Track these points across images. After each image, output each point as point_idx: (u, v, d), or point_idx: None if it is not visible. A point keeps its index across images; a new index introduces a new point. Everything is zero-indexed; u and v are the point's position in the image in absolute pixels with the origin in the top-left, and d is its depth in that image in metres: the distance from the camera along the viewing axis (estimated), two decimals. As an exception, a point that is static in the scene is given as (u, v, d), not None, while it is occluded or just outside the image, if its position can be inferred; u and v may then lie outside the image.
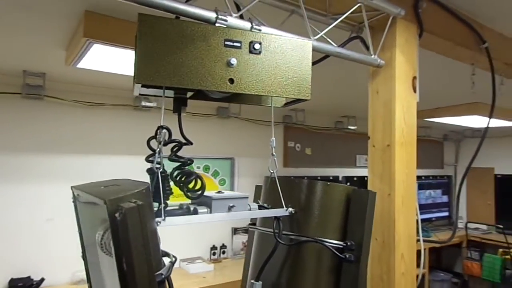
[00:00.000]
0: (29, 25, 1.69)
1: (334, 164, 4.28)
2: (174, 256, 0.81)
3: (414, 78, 1.42)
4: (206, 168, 3.40)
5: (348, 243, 0.99)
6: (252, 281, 1.08)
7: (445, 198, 5.44)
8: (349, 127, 4.23)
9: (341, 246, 1.00)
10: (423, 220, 5.02)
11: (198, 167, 3.35)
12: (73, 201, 0.98)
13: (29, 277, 2.57)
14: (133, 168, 3.01)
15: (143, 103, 2.92)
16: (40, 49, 2.03)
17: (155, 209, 0.87)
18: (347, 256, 0.98)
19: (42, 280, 2.60)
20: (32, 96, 2.59)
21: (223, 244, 3.46)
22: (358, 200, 1.02)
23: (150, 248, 0.66)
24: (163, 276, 0.70)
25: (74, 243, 2.98)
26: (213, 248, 3.41)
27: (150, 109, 3.04)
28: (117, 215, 0.62)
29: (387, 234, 1.36)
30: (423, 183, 5.16)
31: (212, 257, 3.39)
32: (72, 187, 0.90)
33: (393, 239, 1.34)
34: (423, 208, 5.09)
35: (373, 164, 1.44)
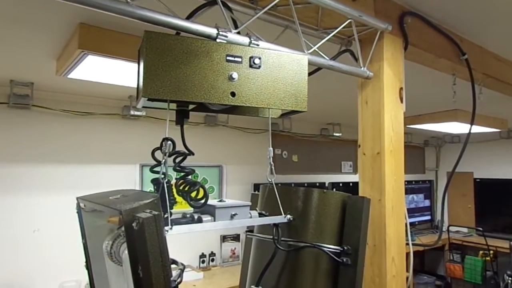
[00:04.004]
0: (19, 37, 1.70)
1: (320, 170, 4.36)
2: (182, 264, 0.84)
3: (401, 89, 1.49)
4: (195, 176, 3.40)
5: (345, 248, 1.04)
6: (253, 286, 1.11)
7: (427, 202, 5.60)
8: (334, 134, 4.33)
9: (338, 251, 1.05)
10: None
11: (187, 175, 3.36)
12: (77, 212, 1.00)
13: (14, 290, 2.53)
14: (122, 177, 3.01)
15: (132, 112, 2.92)
16: (29, 59, 2.03)
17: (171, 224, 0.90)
18: (344, 260, 1.03)
19: (30, 292, 2.56)
20: (19, 106, 2.56)
21: (211, 252, 3.47)
22: (353, 206, 1.07)
23: (166, 256, 0.69)
24: (176, 283, 0.73)
25: (62, 254, 2.95)
26: (202, 256, 3.41)
27: (139, 118, 3.04)
28: (134, 224, 0.65)
29: (378, 238, 1.42)
30: (406, 188, 5.28)
31: (201, 265, 3.39)
32: (77, 198, 0.92)
33: (384, 243, 1.40)
34: (409, 213, 5.22)
35: (363, 171, 1.50)
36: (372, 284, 1.43)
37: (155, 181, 0.97)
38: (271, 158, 1.15)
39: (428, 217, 5.60)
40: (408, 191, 5.31)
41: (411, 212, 5.26)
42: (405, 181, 5.35)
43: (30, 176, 2.65)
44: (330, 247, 1.05)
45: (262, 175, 3.68)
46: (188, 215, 1.00)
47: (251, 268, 1.22)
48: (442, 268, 5.23)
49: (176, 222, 0.94)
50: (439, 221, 5.62)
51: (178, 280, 0.73)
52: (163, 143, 0.95)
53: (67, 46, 1.78)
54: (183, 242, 3.33)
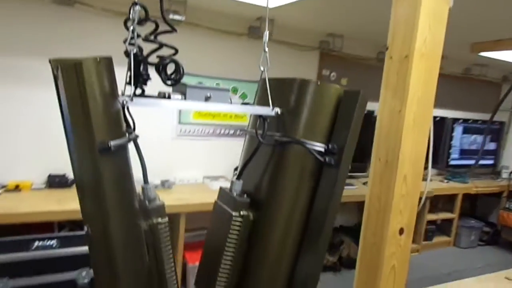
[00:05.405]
0: None
1: (370, 98, 4.00)
2: (136, 135, 0.80)
3: (450, -23, 1.20)
4: (234, 90, 3.35)
5: (330, 146, 0.92)
6: (233, 179, 1.07)
7: (492, 146, 5.07)
8: (393, 58, 3.90)
9: (322, 149, 0.94)
10: (463, 166, 4.76)
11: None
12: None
13: (64, 174, 2.80)
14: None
15: (171, 16, 2.83)
16: None
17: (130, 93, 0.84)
18: (327, 159, 0.92)
19: (76, 179, 2.83)
20: (63, 2, 2.59)
21: (247, 167, 3.51)
22: (348, 101, 0.93)
23: (90, 112, 0.64)
24: (110, 145, 0.67)
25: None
26: (237, 169, 3.47)
27: (180, 23, 2.95)
28: (55, 70, 0.60)
29: (392, 154, 1.27)
30: (470, 127, 4.80)
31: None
32: (50, 60, 0.88)
33: (397, 159, 1.24)
34: (465, 153, 4.80)
35: (387, 77, 1.30)
36: (377, 203, 1.32)
37: (126, 54, 0.90)
38: (266, 44, 1.02)
39: (491, 161, 5.12)
40: (471, 131, 4.82)
41: (470, 153, 4.82)
42: (470, 119, 4.83)
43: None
44: (314, 144, 0.94)
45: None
46: (161, 94, 0.93)
47: (240, 165, 1.17)
48: (495, 215, 4.88)
49: (144, 96, 0.88)
50: (502, 167, 5.12)
51: (116, 144, 0.68)
52: (131, 8, 0.86)
53: None
54: (220, 153, 3.40)
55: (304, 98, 0.98)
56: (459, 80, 4.69)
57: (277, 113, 0.99)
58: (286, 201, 0.99)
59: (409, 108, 1.22)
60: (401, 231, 1.31)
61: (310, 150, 0.93)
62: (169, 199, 2.77)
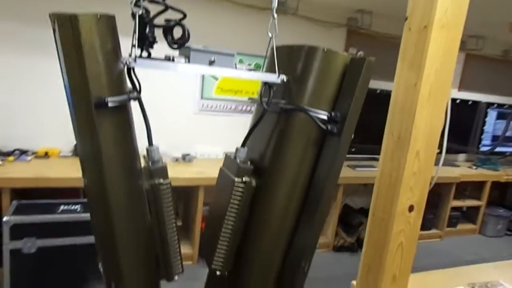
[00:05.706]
0: None
1: (399, 78, 3.89)
2: (138, 96, 0.81)
3: None
4: (258, 66, 3.32)
5: (333, 114, 0.90)
6: (238, 146, 1.07)
7: (528, 133, 4.80)
8: (425, 37, 3.73)
9: (325, 117, 0.92)
10: (495, 153, 4.55)
11: (249, 64, 3.29)
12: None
13: (90, 145, 2.91)
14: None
15: (195, -11, 2.82)
16: None
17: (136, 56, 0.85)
18: (329, 127, 0.91)
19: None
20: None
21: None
22: (354, 69, 0.90)
23: (86, 66, 0.65)
24: (105, 100, 0.69)
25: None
26: (258, 146, 3.48)
27: (203, -3, 2.94)
28: (52, 24, 0.61)
29: (405, 129, 1.23)
30: (505, 113, 4.55)
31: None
32: (49, 14, 0.89)
33: (410, 134, 1.20)
34: (497, 140, 4.58)
35: (405, 50, 1.25)
36: (388, 179, 1.29)
37: (133, 16, 0.91)
38: (275, 10, 1.00)
39: (526, 150, 4.85)
40: (506, 117, 4.57)
41: (505, 140, 4.59)
42: (506, 104, 4.56)
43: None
44: (318, 112, 0.92)
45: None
46: (166, 57, 0.94)
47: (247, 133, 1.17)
48: (527, 206, 4.67)
49: (147, 58, 0.89)
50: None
51: (115, 100, 0.70)
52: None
53: None
54: (240, 129, 3.41)
55: (310, 66, 0.96)
56: (496, 63, 4.43)
57: (283, 80, 0.98)
58: (289, 168, 0.99)
59: (425, 80, 1.17)
60: (410, 208, 1.29)
61: (313, 117, 0.92)
62: (189, 172, 2.84)
